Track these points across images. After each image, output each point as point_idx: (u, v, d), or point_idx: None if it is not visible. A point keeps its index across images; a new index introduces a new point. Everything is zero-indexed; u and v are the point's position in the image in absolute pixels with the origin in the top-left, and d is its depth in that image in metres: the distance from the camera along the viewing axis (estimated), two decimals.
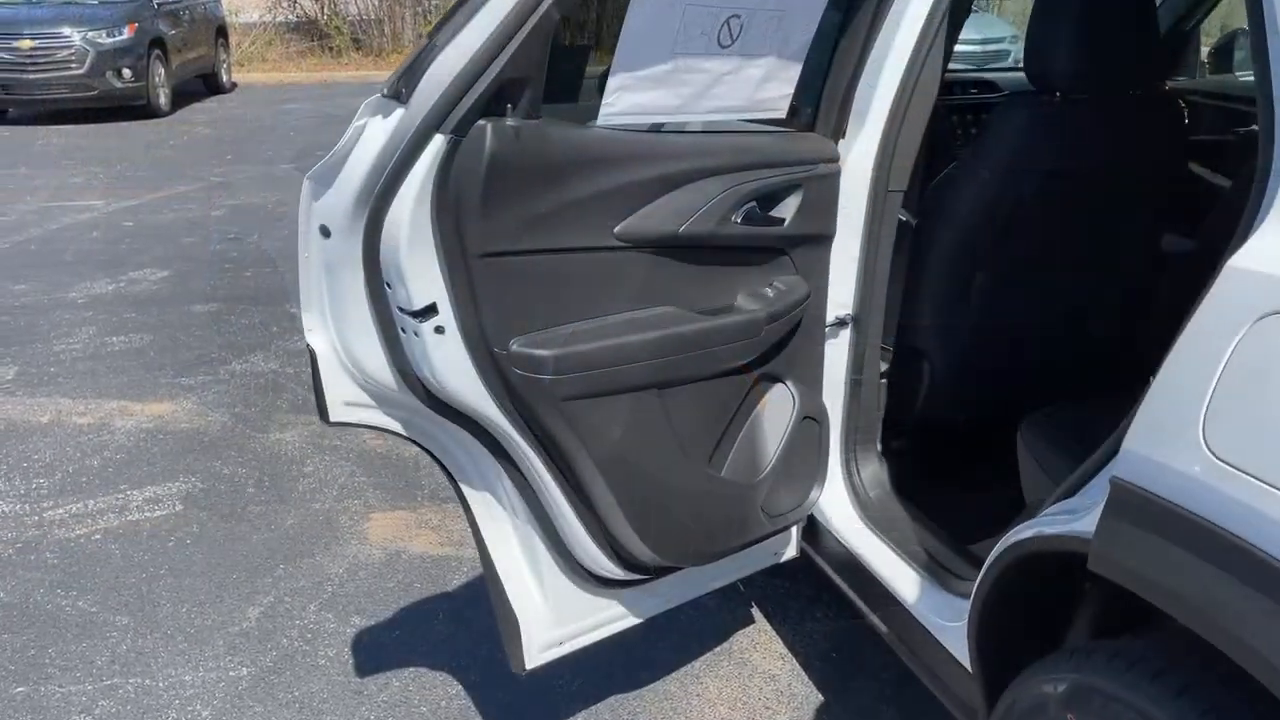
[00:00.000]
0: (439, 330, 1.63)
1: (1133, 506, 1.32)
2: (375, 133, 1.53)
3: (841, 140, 2.19)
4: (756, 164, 1.96)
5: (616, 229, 1.77)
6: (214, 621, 2.87)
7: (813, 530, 2.48)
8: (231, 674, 2.66)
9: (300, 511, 3.46)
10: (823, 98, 2.12)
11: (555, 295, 1.72)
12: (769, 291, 2.06)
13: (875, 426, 2.46)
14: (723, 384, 2.01)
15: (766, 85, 1.96)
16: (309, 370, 1.77)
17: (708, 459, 2.03)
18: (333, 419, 1.78)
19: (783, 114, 2.04)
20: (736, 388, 2.06)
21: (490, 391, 1.73)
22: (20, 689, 2.59)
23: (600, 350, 1.76)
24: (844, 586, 2.38)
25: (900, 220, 2.26)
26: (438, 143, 1.52)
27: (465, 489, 1.96)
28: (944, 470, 2.63)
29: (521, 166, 1.58)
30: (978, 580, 1.76)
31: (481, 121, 1.53)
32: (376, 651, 2.75)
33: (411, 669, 2.68)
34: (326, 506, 3.49)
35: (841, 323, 2.29)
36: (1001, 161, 2.30)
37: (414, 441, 1.90)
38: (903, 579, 2.20)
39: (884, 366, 2.50)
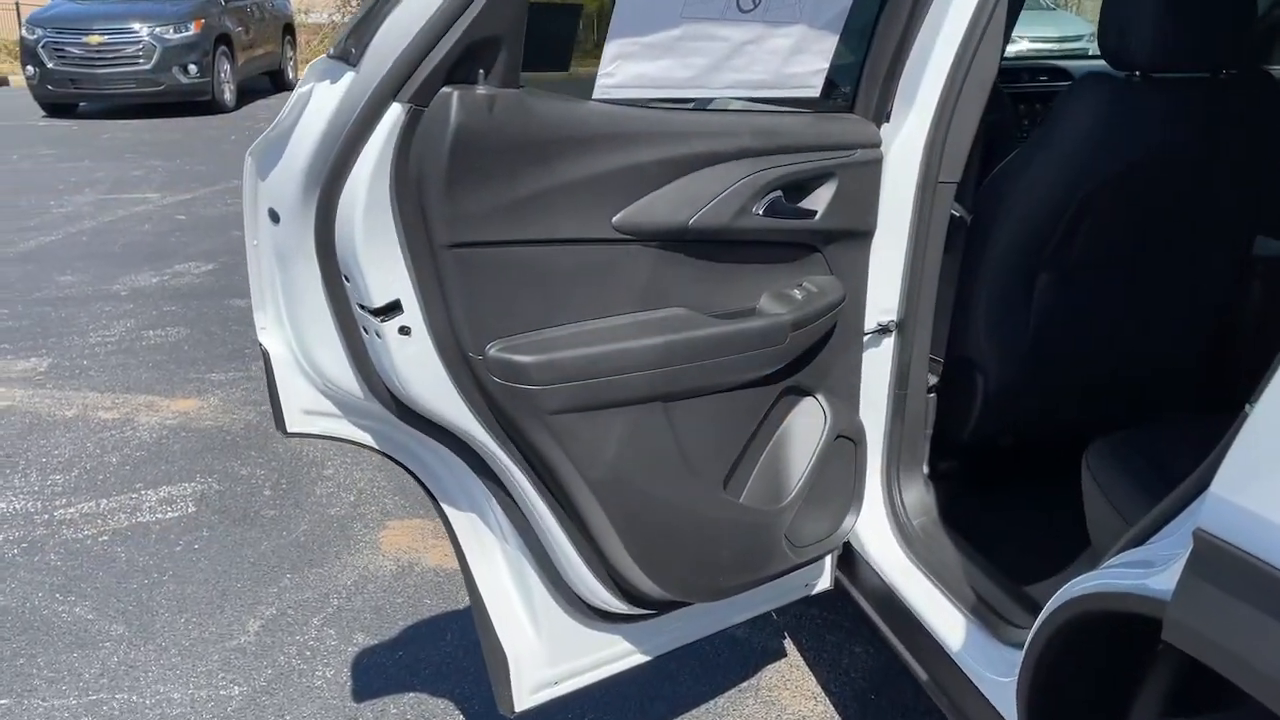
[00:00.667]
0: (404, 331, 1.43)
1: (1220, 566, 1.06)
2: (323, 101, 1.32)
3: (885, 124, 1.95)
4: (783, 148, 1.72)
5: (615, 219, 1.54)
6: (211, 634, 2.71)
7: (849, 560, 2.23)
8: (222, 693, 2.49)
9: (314, 517, 3.30)
10: (863, 75, 1.87)
11: (541, 293, 1.50)
12: (796, 294, 1.81)
13: (921, 447, 2.21)
14: (741, 397, 1.78)
15: (796, 59, 1.72)
16: None
17: (722, 482, 1.80)
18: (290, 429, 1.58)
19: (816, 92, 1.80)
20: (757, 402, 1.82)
21: (467, 402, 1.52)
22: (3, 701, 2.46)
23: (594, 357, 1.54)
24: (880, 625, 2.13)
25: (952, 215, 2.00)
26: (395, 113, 1.31)
27: (448, 509, 1.76)
28: (999, 498, 2.36)
29: (496, 143, 1.36)
30: (1030, 634, 1.50)
31: (446, 89, 1.32)
32: (377, 674, 2.57)
33: (412, 694, 2.49)
34: (342, 513, 3.33)
35: (884, 330, 2.04)
36: (1070, 149, 2.02)
37: (387, 456, 1.69)
38: (947, 621, 1.94)
39: (932, 380, 2.25)
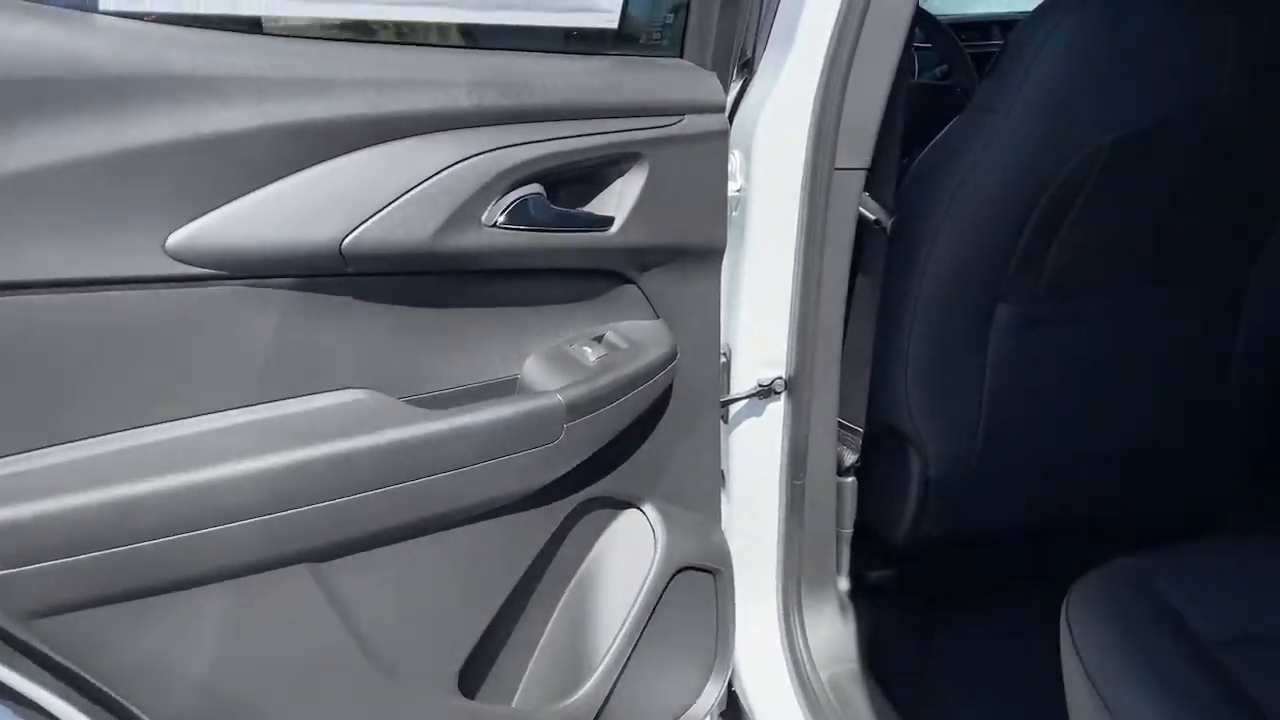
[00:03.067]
0: None
1: None
2: None
3: (749, 79, 1.25)
4: (539, 111, 1.01)
5: (171, 242, 0.83)
6: None
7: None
8: None
9: None
10: None
11: (11, 383, 0.79)
12: (588, 353, 1.11)
13: (833, 555, 1.51)
14: (483, 535, 1.07)
15: None
16: None
17: (454, 678, 1.08)
18: None
19: (610, 21, 1.10)
20: (518, 537, 1.11)
21: None
22: None
23: (128, 506, 0.82)
24: None
25: (863, 219, 1.31)
26: None
27: None
28: (955, 632, 1.66)
29: None
30: None
31: None
32: None
33: None
34: None
35: (766, 391, 1.35)
36: (1040, 109, 1.32)
37: None
38: None
39: (850, 458, 1.54)
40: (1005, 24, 2.63)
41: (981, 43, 2.50)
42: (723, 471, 1.42)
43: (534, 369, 1.09)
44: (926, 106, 2.13)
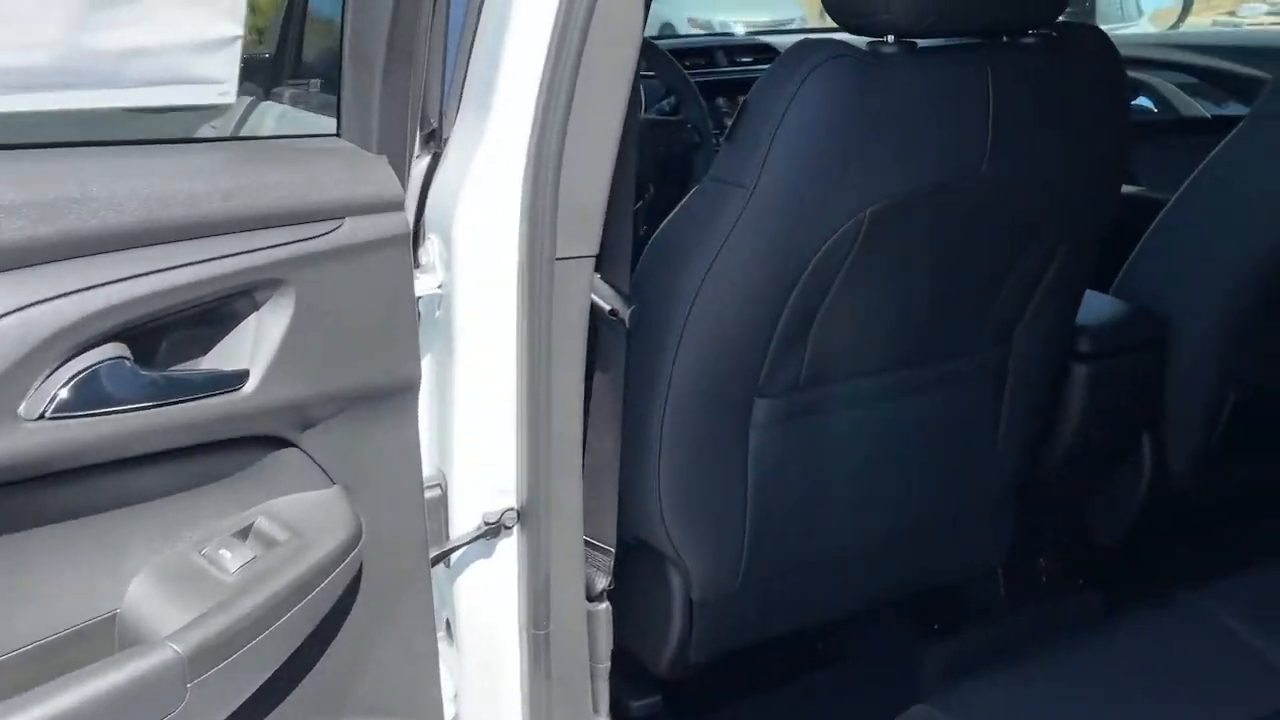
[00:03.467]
0: None
1: None
2: None
3: (439, 153, 0.97)
4: (105, 237, 0.68)
5: None
6: None
7: None
8: None
9: None
10: (348, 51, 0.85)
11: None
12: (225, 558, 0.79)
13: (587, 702, 1.26)
14: None
15: (129, 9, 0.69)
16: None
17: None
18: None
19: (224, 95, 0.78)
20: None
21: None
22: None
23: None
24: None
25: (596, 313, 1.06)
26: None
27: None
28: None
29: None
30: None
31: None
32: None
33: None
34: None
35: (495, 529, 1.07)
36: (790, 184, 1.11)
37: None
38: None
39: (602, 581, 1.29)
40: (730, 49, 2.46)
41: (707, 70, 2.32)
42: (449, 624, 1.15)
43: (141, 599, 0.76)
44: (657, 144, 1.93)
